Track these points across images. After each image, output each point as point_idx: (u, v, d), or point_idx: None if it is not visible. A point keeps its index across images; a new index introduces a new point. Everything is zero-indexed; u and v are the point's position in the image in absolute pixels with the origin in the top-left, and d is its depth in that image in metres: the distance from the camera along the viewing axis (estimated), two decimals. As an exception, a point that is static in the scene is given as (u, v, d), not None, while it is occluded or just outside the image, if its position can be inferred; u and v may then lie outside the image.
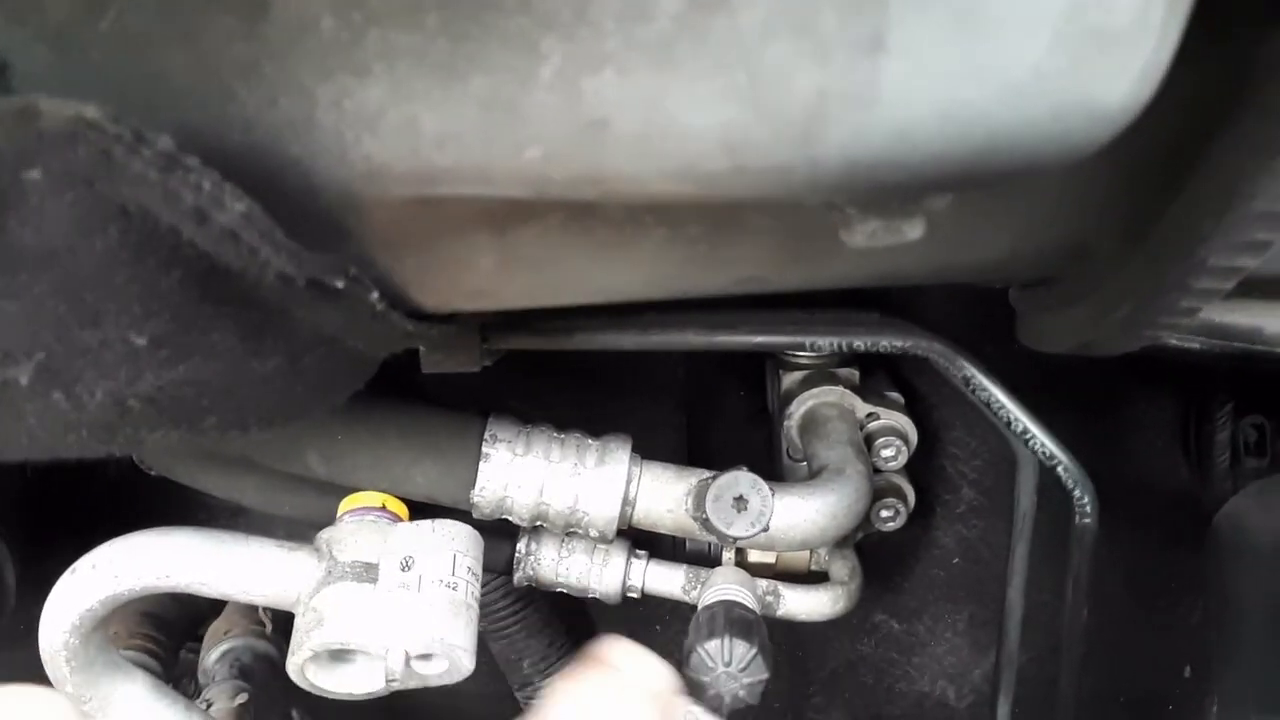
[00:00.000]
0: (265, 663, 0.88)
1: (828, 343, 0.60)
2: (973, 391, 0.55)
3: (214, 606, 0.96)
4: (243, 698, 0.80)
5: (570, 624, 0.95)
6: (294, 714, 0.94)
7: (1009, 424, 0.54)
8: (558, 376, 0.77)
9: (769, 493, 0.59)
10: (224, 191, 0.26)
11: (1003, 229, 0.46)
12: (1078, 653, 0.57)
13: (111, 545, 0.59)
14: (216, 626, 0.92)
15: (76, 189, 0.26)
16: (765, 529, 0.59)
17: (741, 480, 0.59)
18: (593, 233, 0.36)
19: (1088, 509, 0.52)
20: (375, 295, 0.34)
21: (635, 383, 0.85)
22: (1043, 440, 0.53)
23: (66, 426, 0.35)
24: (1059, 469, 0.53)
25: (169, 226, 0.27)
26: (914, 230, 0.30)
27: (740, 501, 0.59)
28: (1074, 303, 0.46)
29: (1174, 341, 0.49)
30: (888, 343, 0.58)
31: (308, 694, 0.62)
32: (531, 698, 0.94)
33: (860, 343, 0.59)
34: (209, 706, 0.79)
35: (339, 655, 0.60)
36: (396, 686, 0.59)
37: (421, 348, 0.53)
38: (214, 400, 0.35)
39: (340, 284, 0.32)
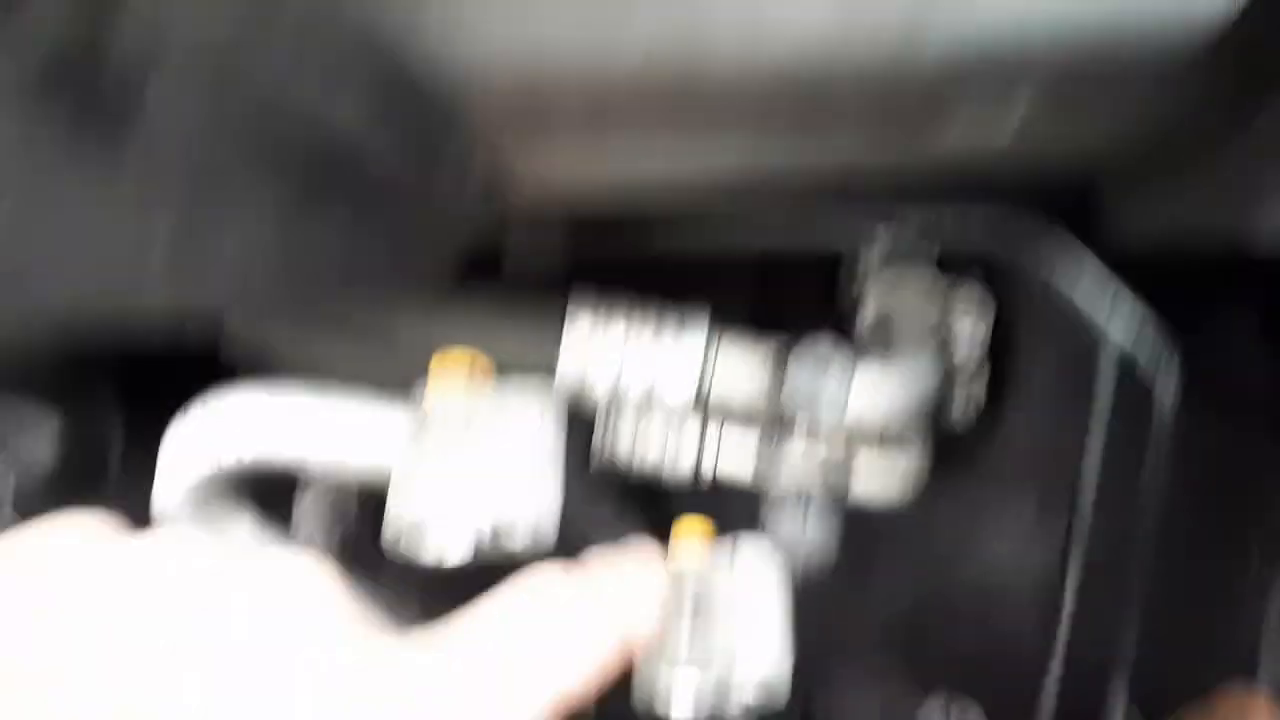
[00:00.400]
0: (357, 502, 0.93)
1: (908, 240, 0.59)
2: (1058, 289, 0.54)
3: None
4: (338, 537, 0.85)
5: (638, 499, 0.98)
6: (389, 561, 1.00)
7: (1093, 320, 0.53)
8: (628, 281, 0.77)
9: (850, 371, 0.60)
10: (344, 81, 0.27)
11: (1099, 115, 0.44)
12: (1148, 541, 0.58)
13: (215, 421, 0.62)
14: (307, 475, 0.97)
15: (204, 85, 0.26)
16: (843, 408, 0.60)
17: (822, 355, 0.59)
18: (691, 126, 0.36)
19: (1168, 399, 0.52)
20: (478, 187, 0.35)
21: (705, 273, 0.85)
22: (1127, 328, 0.52)
23: (191, 300, 0.36)
24: (1141, 358, 0.52)
25: (293, 108, 0.27)
26: (1014, 119, 0.29)
27: (820, 378, 0.60)
28: (1167, 194, 0.44)
29: (1268, 235, 0.47)
30: (971, 236, 0.57)
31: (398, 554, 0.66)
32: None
33: (943, 237, 0.58)
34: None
35: (429, 523, 0.63)
36: (485, 554, 0.63)
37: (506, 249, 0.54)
38: (328, 277, 0.36)
39: (446, 174, 0.32)
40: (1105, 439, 0.62)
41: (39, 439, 0.88)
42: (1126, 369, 0.55)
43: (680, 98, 0.33)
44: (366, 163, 0.30)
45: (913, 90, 0.29)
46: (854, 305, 0.73)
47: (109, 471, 0.95)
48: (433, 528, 0.63)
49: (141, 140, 0.27)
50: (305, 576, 0.33)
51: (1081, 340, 0.61)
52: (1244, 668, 0.92)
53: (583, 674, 0.35)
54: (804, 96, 0.36)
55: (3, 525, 1.09)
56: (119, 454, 0.96)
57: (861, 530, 0.99)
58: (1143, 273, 0.59)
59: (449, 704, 0.30)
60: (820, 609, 1.08)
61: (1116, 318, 0.52)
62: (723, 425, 0.76)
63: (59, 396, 0.90)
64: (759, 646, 0.61)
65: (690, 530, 0.71)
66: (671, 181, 0.39)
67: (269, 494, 0.97)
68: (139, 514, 0.69)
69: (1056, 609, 0.88)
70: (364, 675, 0.30)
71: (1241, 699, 0.74)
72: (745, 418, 0.75)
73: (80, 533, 0.31)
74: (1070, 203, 0.54)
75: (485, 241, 0.44)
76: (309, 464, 0.61)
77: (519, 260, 0.55)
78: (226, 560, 0.32)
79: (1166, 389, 0.51)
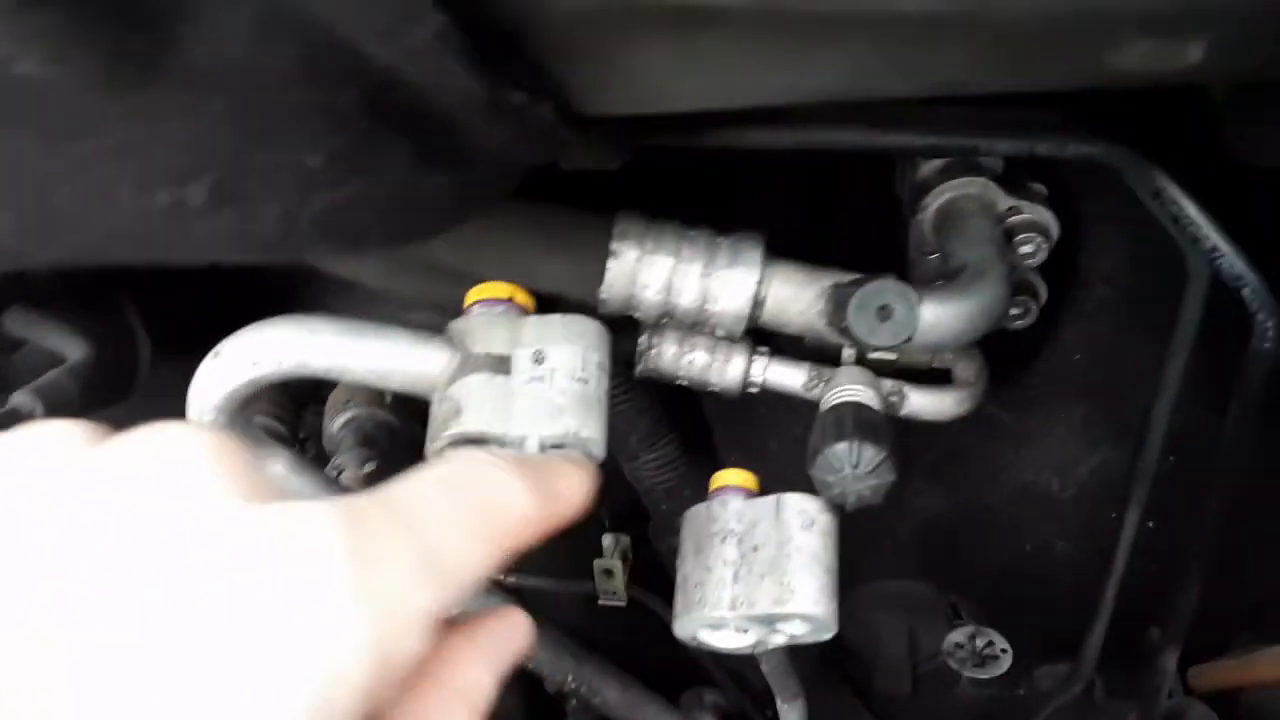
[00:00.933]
0: (387, 431, 0.92)
1: (1007, 147, 0.55)
2: (1162, 204, 0.50)
3: (332, 373, 0.99)
4: (370, 466, 0.84)
5: (677, 403, 0.97)
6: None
7: (1196, 241, 0.49)
8: (680, 174, 0.73)
9: (916, 301, 0.57)
10: (418, 7, 0.23)
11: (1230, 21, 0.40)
12: (1230, 477, 0.55)
13: (250, 330, 0.60)
14: (337, 395, 0.96)
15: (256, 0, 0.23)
16: (909, 339, 0.57)
17: (888, 289, 0.56)
18: (780, 39, 0.32)
19: (1269, 333, 0.49)
20: (549, 107, 0.31)
21: (757, 170, 0.81)
22: (1233, 260, 0.48)
23: (233, 242, 0.33)
24: (1245, 290, 0.49)
25: (349, 44, 0.24)
26: (1195, 52, 0.26)
27: (885, 310, 0.56)
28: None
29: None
30: (1074, 148, 0.53)
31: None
32: (639, 470, 0.97)
33: (1044, 147, 0.54)
34: (340, 474, 0.83)
35: (475, 442, 0.62)
36: (531, 475, 0.61)
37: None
38: (380, 218, 0.33)
39: (519, 100, 0.29)
40: (1185, 366, 0.59)
41: (68, 363, 0.86)
42: (1220, 292, 0.52)
43: (775, 7, 0.29)
44: (429, 94, 0.27)
45: (1109, 18, 0.25)
46: (915, 202, 0.69)
47: (138, 380, 0.94)
48: (482, 443, 0.61)
49: (184, 72, 0.24)
50: (186, 450, 0.29)
51: (1171, 255, 0.57)
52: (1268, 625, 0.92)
53: (494, 543, 0.31)
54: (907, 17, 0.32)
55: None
56: (147, 375, 0.95)
57: (902, 443, 0.98)
58: (1258, 196, 0.56)
59: (326, 571, 0.26)
60: (848, 527, 1.08)
61: (1216, 237, 0.48)
62: (771, 350, 0.74)
63: (88, 320, 0.88)
64: (808, 588, 0.60)
65: (732, 480, 0.69)
66: (760, 88, 0.35)
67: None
68: (172, 412, 0.68)
69: (1098, 538, 0.88)
70: (235, 542, 0.26)
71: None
72: (797, 341, 0.72)
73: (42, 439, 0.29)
74: (1170, 117, 0.50)
75: (558, 152, 0.41)
76: (346, 375, 0.59)
77: (575, 158, 0.51)
78: (113, 450, 0.29)
79: (1270, 321, 0.48)
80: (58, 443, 0.29)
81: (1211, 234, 0.49)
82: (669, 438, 0.96)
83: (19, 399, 0.76)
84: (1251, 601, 0.98)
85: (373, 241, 0.35)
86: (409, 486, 0.32)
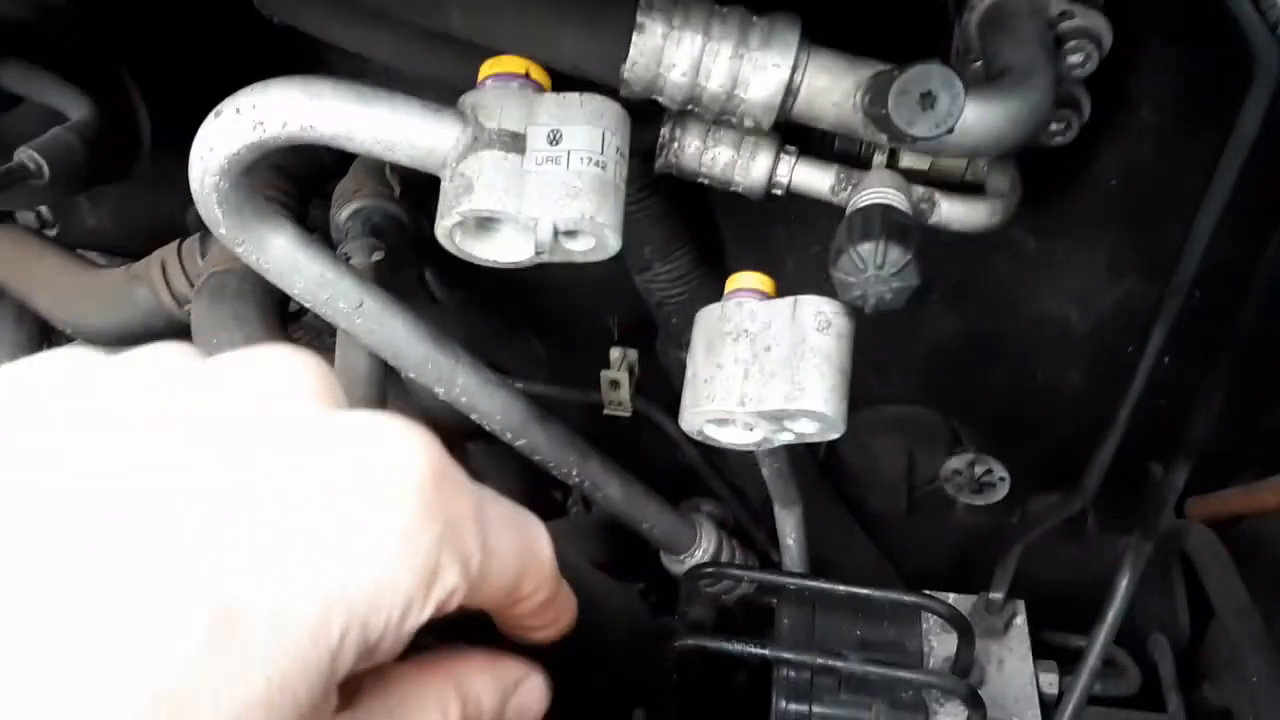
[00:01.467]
0: (395, 224, 0.90)
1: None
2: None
3: (339, 165, 0.97)
4: (378, 255, 0.82)
5: (691, 215, 0.94)
6: (427, 274, 0.98)
7: (1275, 27, 0.45)
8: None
9: (961, 90, 0.53)
10: None
11: None
12: (1264, 302, 0.53)
13: (253, 90, 0.57)
14: (345, 185, 0.93)
15: None
16: (950, 130, 0.54)
17: (934, 73, 0.52)
18: None
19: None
20: None
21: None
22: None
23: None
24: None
25: None
26: None
27: (928, 98, 0.53)
28: None
29: None
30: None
31: (439, 256, 0.62)
32: (650, 283, 0.96)
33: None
34: (347, 261, 0.82)
35: (486, 223, 0.60)
36: (544, 259, 0.59)
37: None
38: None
39: None
40: (1236, 182, 0.56)
41: (69, 122, 0.83)
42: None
43: None
44: None
45: None
46: (960, 5, 0.65)
47: (142, 154, 0.92)
48: (493, 223, 0.59)
49: None
50: (286, 367, 0.31)
51: (1227, 82, 0.53)
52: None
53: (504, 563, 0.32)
54: None
55: (39, 200, 1.07)
56: (150, 139, 0.92)
57: (919, 254, 0.96)
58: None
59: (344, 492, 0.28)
60: (856, 349, 1.07)
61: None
62: (800, 145, 0.70)
63: (88, 83, 0.85)
64: (819, 387, 0.59)
65: (749, 282, 0.67)
66: None
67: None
68: (177, 195, 0.65)
69: (1111, 371, 0.86)
70: (282, 450, 0.28)
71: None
72: (817, 135, 0.68)
73: (61, 363, 0.30)
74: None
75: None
76: (352, 143, 0.56)
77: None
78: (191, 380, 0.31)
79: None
80: (169, 357, 0.31)
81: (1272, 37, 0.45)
82: (683, 250, 0.94)
83: (23, 155, 0.73)
84: (1257, 444, 0.98)
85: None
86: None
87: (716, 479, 1.22)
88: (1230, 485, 0.98)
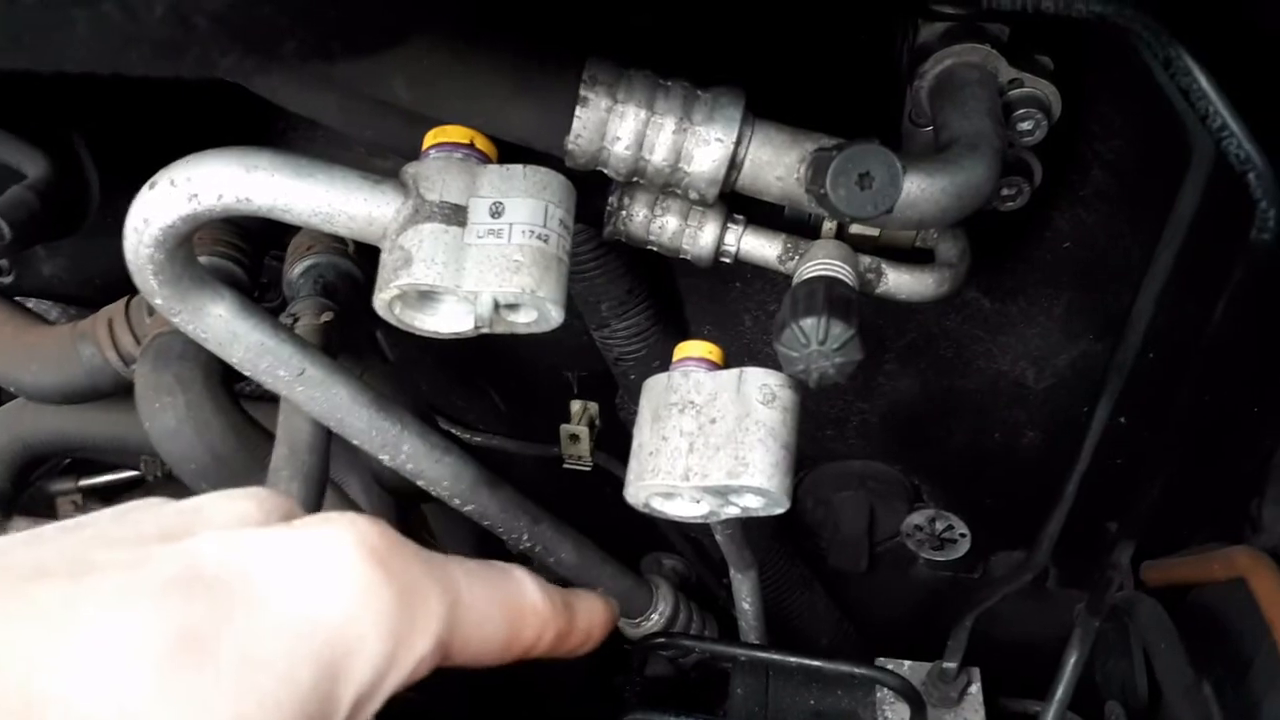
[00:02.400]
0: (348, 281, 0.89)
1: (1010, 1, 0.51)
2: (1172, 75, 0.46)
3: (295, 219, 0.95)
4: (328, 316, 0.81)
5: (649, 273, 0.94)
6: (379, 336, 0.97)
7: (1205, 117, 0.46)
8: (660, 18, 0.67)
9: (900, 170, 0.53)
10: None
11: None
12: (1206, 370, 0.53)
13: (189, 162, 0.56)
14: (299, 240, 0.92)
15: None
16: (889, 211, 0.53)
17: (870, 155, 0.52)
18: None
19: (1270, 224, 0.46)
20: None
21: (747, 24, 0.75)
22: (1241, 141, 0.44)
23: (125, 40, 0.30)
24: (1250, 175, 0.45)
25: None
26: None
27: (866, 179, 0.53)
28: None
29: None
30: (1082, 6, 0.48)
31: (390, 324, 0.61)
32: (608, 339, 0.95)
33: (1050, 4, 0.50)
34: (295, 322, 0.80)
35: (427, 295, 0.59)
36: (485, 331, 0.58)
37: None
38: (294, 20, 0.30)
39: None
40: (1178, 254, 0.56)
41: (26, 180, 0.82)
42: (1221, 178, 0.48)
43: None
44: None
45: None
46: (913, 69, 0.65)
47: (90, 209, 0.90)
48: (434, 295, 0.58)
49: None
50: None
51: (1174, 145, 0.53)
52: (1240, 525, 0.92)
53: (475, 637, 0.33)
54: None
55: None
56: (100, 193, 0.91)
57: (875, 319, 0.96)
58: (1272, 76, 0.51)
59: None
60: (815, 404, 1.07)
61: (1227, 115, 0.45)
62: (750, 211, 0.70)
63: (43, 144, 0.84)
64: (762, 462, 0.59)
65: (696, 351, 0.67)
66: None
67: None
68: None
69: (1068, 430, 0.86)
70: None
71: (1243, 558, 0.73)
72: (774, 208, 0.68)
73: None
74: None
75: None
76: (290, 215, 0.55)
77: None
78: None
79: (1272, 210, 0.45)
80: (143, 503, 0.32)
81: (1222, 111, 0.45)
82: (641, 307, 0.94)
83: (-13, 217, 0.72)
84: (1211, 502, 0.98)
85: (290, 51, 0.31)
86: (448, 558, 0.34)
87: (677, 535, 1.21)
88: (1187, 540, 0.99)
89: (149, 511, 0.32)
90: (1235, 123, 0.45)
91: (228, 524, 0.31)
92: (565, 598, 0.37)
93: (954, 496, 1.13)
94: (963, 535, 1.15)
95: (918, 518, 1.16)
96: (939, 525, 1.15)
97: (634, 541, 1.22)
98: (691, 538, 1.21)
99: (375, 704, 0.29)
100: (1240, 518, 0.95)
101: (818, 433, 1.06)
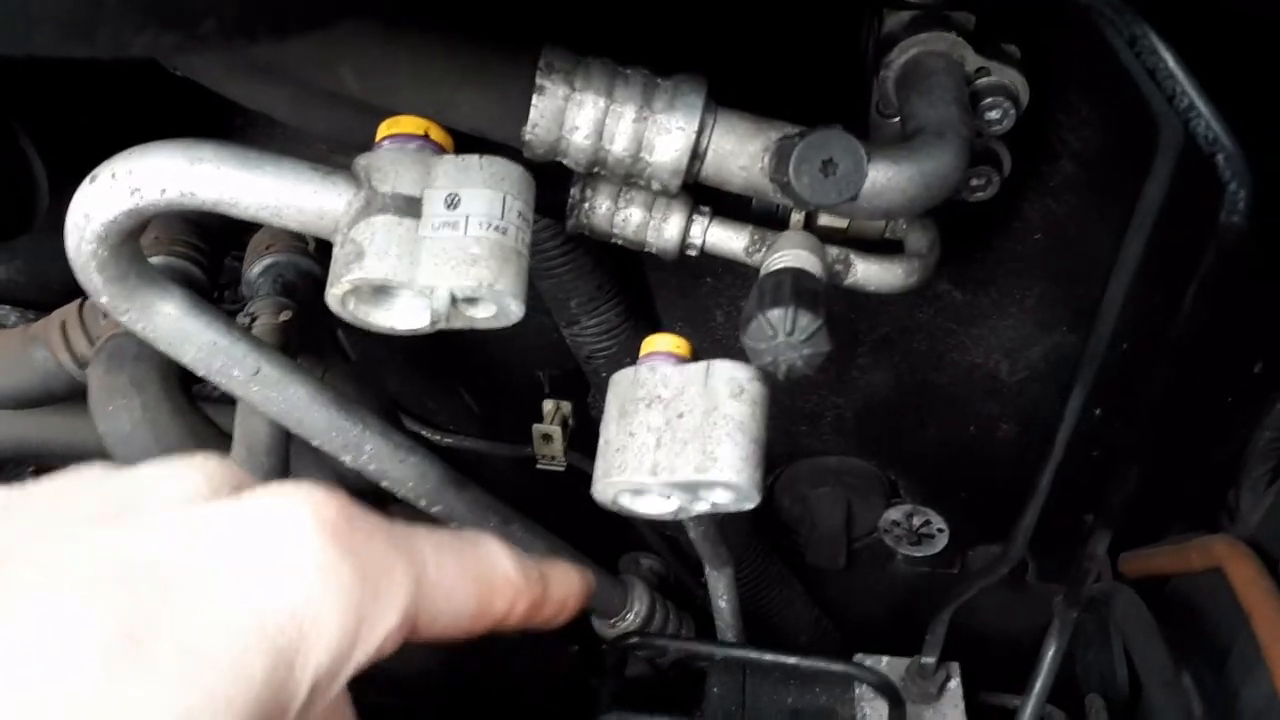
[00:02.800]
0: (309, 280, 0.87)
1: (972, -23, 0.49)
2: (1138, 54, 0.45)
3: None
4: (286, 314, 0.79)
5: (618, 268, 0.92)
6: (339, 334, 0.95)
7: (1172, 97, 0.45)
8: (620, 7, 0.66)
9: (864, 156, 0.52)
10: None
11: None
12: (1178, 356, 0.52)
13: (131, 155, 0.54)
14: (258, 239, 0.90)
15: None
16: (854, 198, 0.52)
17: (834, 140, 0.51)
18: None
19: (1240, 206, 0.45)
20: None
21: (710, 14, 0.74)
22: (1209, 121, 0.44)
23: (29, 21, 0.28)
24: (1219, 157, 0.44)
25: None
26: None
27: (830, 165, 0.52)
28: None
29: None
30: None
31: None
32: (578, 336, 0.94)
33: (1012, -19, 0.48)
34: (253, 321, 0.78)
35: (381, 290, 0.57)
36: (442, 326, 0.57)
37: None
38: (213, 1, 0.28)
39: None
40: (1147, 241, 0.55)
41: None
42: (1190, 161, 0.47)
43: None
44: None
45: None
46: (879, 59, 0.64)
47: (39, 208, 0.88)
48: (389, 290, 0.57)
49: None
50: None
51: (1144, 134, 0.52)
52: (1204, 514, 0.92)
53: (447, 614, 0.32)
54: None
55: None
56: (49, 193, 0.89)
57: (846, 314, 0.95)
58: (1240, 54, 0.51)
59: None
60: (789, 400, 1.06)
61: (1194, 94, 0.44)
62: (717, 203, 0.69)
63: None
64: (731, 456, 0.57)
65: (664, 345, 0.65)
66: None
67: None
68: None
69: (1043, 422, 0.85)
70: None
71: (1221, 547, 0.73)
72: (732, 195, 0.67)
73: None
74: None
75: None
76: (237, 209, 0.53)
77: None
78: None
79: (1242, 191, 0.44)
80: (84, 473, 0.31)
81: (1189, 91, 0.44)
82: (611, 303, 0.92)
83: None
84: (1187, 492, 0.97)
85: (208, 30, 0.29)
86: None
87: (653, 534, 1.19)
88: (1164, 531, 0.98)
89: (87, 487, 0.30)
90: (1203, 102, 0.44)
91: (172, 499, 0.30)
92: (539, 568, 0.35)
93: (931, 491, 1.12)
94: (940, 530, 1.14)
95: (895, 513, 1.15)
96: (916, 520, 1.14)
97: (610, 542, 1.21)
98: (668, 536, 1.20)
99: (338, 685, 0.28)
100: (1218, 507, 0.95)
101: (792, 428, 1.05)
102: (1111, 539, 0.72)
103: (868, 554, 1.19)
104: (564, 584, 0.37)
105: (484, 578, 0.33)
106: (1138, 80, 0.47)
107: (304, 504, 0.29)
